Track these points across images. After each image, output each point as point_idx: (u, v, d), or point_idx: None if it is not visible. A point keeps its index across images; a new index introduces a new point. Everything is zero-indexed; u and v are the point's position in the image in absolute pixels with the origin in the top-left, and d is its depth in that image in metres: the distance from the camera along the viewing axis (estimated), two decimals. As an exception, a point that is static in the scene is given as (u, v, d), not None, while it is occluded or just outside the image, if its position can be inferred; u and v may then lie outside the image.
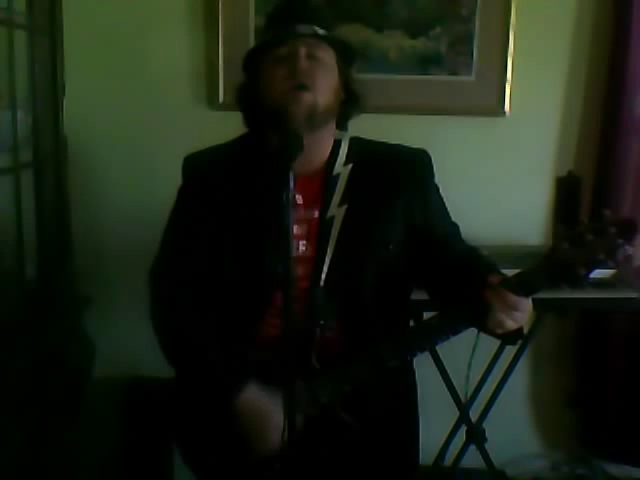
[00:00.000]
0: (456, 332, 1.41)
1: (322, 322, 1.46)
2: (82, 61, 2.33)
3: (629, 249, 1.24)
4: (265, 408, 1.42)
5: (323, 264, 1.48)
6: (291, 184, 1.23)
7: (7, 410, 1.81)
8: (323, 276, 1.48)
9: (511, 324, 1.34)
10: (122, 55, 2.37)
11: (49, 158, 2.24)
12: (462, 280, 1.46)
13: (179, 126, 2.37)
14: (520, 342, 1.85)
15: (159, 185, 2.10)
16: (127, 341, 2.43)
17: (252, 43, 2.31)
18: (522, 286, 1.33)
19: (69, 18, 2.26)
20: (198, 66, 2.38)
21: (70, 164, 2.33)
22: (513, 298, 1.32)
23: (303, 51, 1.44)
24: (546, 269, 1.31)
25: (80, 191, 2.39)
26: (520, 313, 1.34)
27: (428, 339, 1.43)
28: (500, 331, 1.36)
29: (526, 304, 1.34)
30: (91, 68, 2.36)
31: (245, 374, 1.44)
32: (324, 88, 1.45)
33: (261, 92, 1.49)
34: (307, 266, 1.49)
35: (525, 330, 2.13)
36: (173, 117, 2.39)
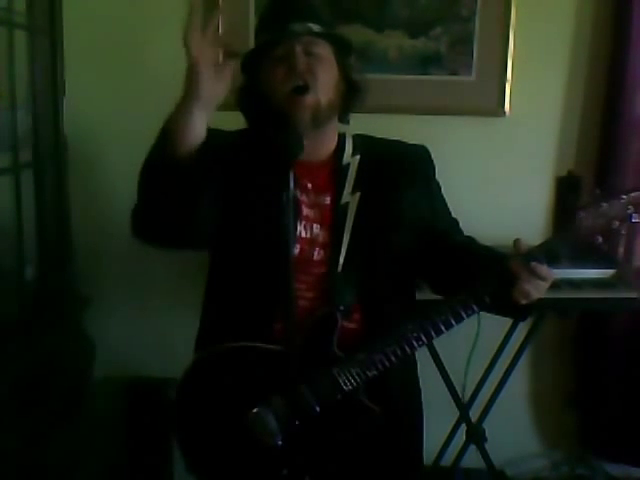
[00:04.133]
0: (481, 305, 1.39)
1: (342, 308, 1.45)
2: (82, 61, 2.33)
3: (639, 217, 1.34)
4: None
5: (340, 249, 1.48)
6: (291, 184, 1.22)
7: (7, 410, 1.81)
8: (341, 261, 1.48)
9: (536, 293, 1.36)
10: (122, 55, 2.36)
11: (49, 158, 2.24)
12: (468, 264, 1.48)
13: (179, 126, 2.37)
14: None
15: (159, 185, 2.10)
16: (127, 341, 2.43)
17: (252, 43, 2.31)
18: (546, 256, 1.36)
19: (69, 18, 2.26)
20: (198, 66, 2.38)
21: (70, 164, 2.33)
22: (539, 268, 1.34)
23: (299, 49, 1.44)
24: (567, 239, 1.37)
25: (80, 191, 2.39)
26: (545, 283, 1.36)
27: (454, 314, 1.39)
28: (525, 301, 1.37)
29: (550, 273, 1.36)
30: (91, 68, 2.36)
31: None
32: (325, 83, 1.46)
33: (262, 94, 1.48)
34: (324, 252, 1.49)
35: (526, 327, 2.17)
36: (173, 117, 2.39)
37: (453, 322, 1.39)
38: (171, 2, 2.36)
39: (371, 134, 1.62)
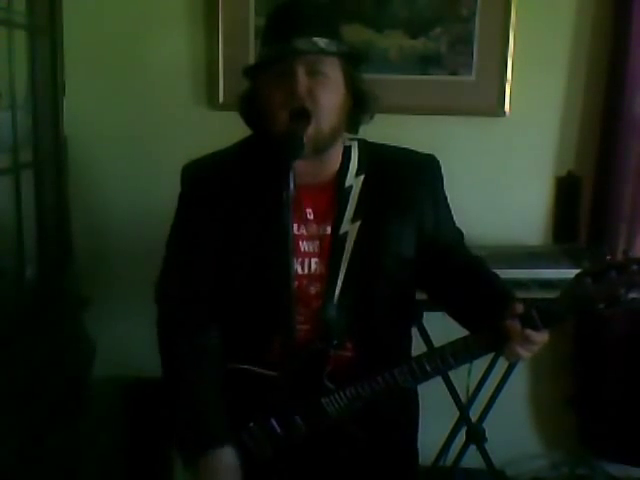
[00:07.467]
0: (474, 358, 1.40)
1: (335, 342, 1.43)
2: (82, 61, 2.33)
3: None
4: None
5: (336, 282, 1.44)
6: (291, 185, 1.21)
7: (7, 410, 1.81)
8: (336, 294, 1.44)
9: (526, 356, 1.35)
10: (122, 55, 2.37)
11: (49, 158, 2.24)
12: (468, 291, 1.45)
13: (179, 126, 2.37)
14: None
15: (159, 185, 2.10)
16: (127, 341, 2.43)
17: (252, 43, 2.32)
18: (543, 320, 1.32)
19: (69, 18, 2.26)
20: (198, 66, 2.38)
21: (70, 164, 2.33)
22: (532, 333, 1.31)
23: (302, 69, 1.35)
24: (568, 304, 1.33)
25: (80, 191, 2.39)
26: (537, 346, 1.34)
27: (445, 364, 1.39)
28: (513, 360, 1.38)
29: (543, 337, 1.34)
30: (91, 68, 2.36)
31: (220, 436, 1.43)
32: (328, 108, 1.37)
33: (262, 112, 1.42)
34: (319, 284, 1.46)
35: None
36: (173, 117, 2.39)
37: (442, 368, 1.40)
38: (171, 2, 2.37)
39: (371, 135, 1.57)
